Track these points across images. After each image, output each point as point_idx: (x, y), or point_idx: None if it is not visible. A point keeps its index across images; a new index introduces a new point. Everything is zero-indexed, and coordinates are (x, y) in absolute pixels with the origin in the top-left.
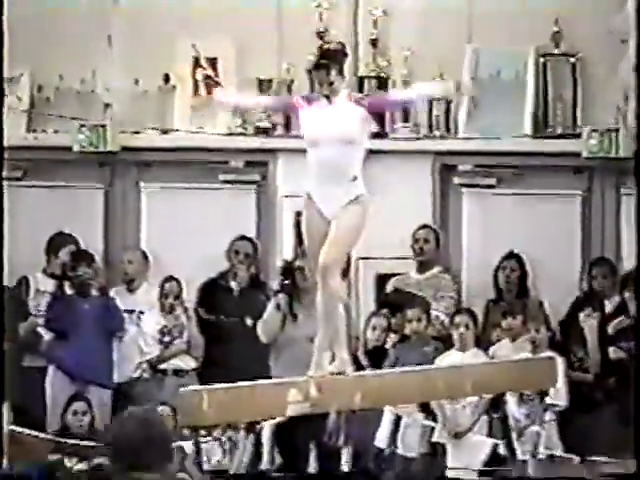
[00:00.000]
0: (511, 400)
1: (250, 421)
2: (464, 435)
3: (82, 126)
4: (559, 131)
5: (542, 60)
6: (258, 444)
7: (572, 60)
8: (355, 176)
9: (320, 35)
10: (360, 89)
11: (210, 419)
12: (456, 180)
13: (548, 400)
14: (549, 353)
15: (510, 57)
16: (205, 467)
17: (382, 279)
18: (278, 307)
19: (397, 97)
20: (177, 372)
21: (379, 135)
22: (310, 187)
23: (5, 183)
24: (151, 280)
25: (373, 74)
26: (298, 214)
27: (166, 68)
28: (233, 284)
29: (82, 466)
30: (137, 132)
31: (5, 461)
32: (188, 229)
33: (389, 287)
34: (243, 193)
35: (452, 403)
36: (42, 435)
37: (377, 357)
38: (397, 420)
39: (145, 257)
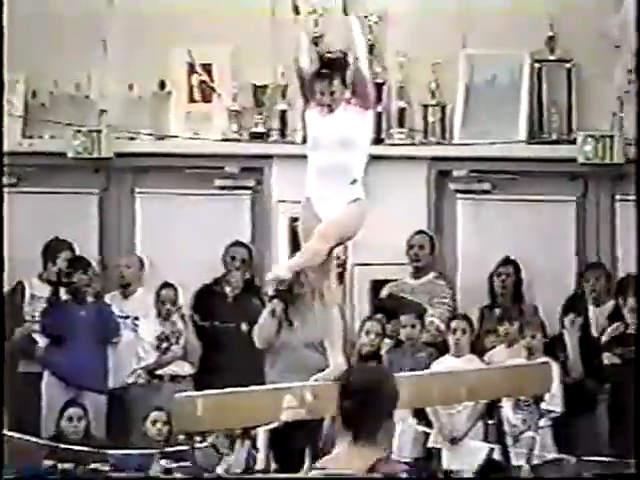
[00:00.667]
0: (507, 406)
1: (245, 427)
2: (460, 440)
3: (77, 132)
4: (554, 137)
5: (537, 66)
6: (253, 449)
7: (567, 65)
8: (355, 179)
9: (315, 41)
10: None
11: (205, 425)
12: (451, 186)
13: (543, 406)
14: (544, 359)
15: (505, 63)
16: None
17: (377, 285)
18: (273, 313)
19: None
20: (174, 378)
21: (374, 141)
22: (309, 190)
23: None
24: (146, 286)
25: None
26: (293, 220)
27: (161, 74)
28: (227, 290)
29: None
30: (132, 138)
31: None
32: (183, 234)
33: (384, 293)
34: (238, 199)
35: (447, 409)
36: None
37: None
38: None
39: (141, 262)
